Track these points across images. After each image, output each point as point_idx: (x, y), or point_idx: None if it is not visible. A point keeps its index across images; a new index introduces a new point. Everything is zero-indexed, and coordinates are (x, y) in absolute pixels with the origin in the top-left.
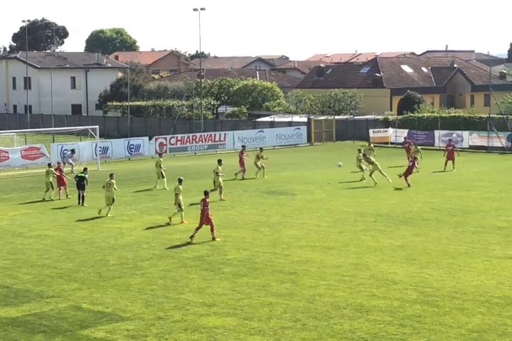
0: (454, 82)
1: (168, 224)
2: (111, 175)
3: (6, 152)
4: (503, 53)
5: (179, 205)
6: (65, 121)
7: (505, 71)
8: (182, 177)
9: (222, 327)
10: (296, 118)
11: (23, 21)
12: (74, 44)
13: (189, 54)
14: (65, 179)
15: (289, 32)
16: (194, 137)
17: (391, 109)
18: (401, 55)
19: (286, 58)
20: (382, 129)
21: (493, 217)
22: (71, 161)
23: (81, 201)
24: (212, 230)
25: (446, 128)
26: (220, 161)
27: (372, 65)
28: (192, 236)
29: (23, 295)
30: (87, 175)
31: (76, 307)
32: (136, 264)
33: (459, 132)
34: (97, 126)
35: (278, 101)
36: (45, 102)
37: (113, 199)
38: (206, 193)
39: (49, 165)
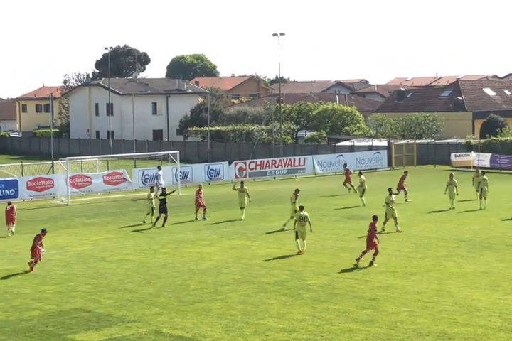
0: None
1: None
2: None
3: (88, 177)
4: None
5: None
6: (146, 146)
7: None
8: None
9: None
10: (376, 143)
11: (106, 48)
12: (155, 70)
13: (268, 79)
14: None
15: (368, 55)
16: (273, 162)
17: (473, 133)
18: (483, 78)
19: (366, 82)
20: (464, 153)
21: None
22: (161, 181)
23: (163, 223)
24: (374, 255)
25: None
26: (297, 190)
27: (453, 88)
28: (358, 259)
29: (105, 320)
30: (167, 197)
31: (157, 331)
32: (216, 289)
33: None
34: (178, 151)
35: (358, 125)
36: (127, 128)
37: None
38: (375, 218)
39: (151, 188)
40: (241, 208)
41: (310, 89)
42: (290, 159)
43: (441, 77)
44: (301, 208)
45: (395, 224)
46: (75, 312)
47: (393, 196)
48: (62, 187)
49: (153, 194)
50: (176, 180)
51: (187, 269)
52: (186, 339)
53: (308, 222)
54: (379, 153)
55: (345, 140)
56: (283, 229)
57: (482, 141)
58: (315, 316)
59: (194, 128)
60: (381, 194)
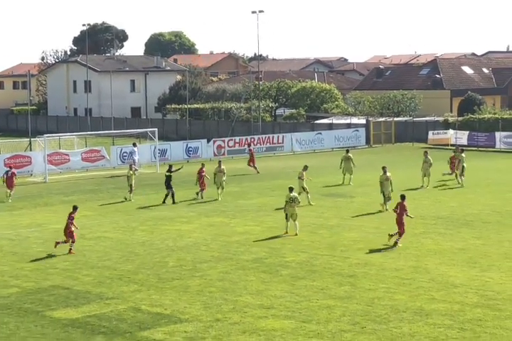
0: None
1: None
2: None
3: (66, 155)
4: None
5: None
6: (124, 123)
7: None
8: (292, 186)
9: (281, 330)
10: (354, 120)
11: (84, 25)
12: (133, 47)
13: (247, 56)
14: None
15: (347, 33)
16: (252, 139)
17: (451, 111)
18: (461, 56)
19: (345, 60)
20: (441, 131)
21: None
22: (136, 158)
23: (172, 199)
24: (400, 235)
25: (507, 130)
26: (305, 167)
27: (432, 66)
28: (396, 243)
29: (83, 297)
30: (172, 173)
31: (135, 308)
32: (194, 266)
33: None
34: (156, 129)
35: (336, 103)
36: (105, 105)
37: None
38: (403, 197)
39: (130, 166)
40: (218, 188)
41: (289, 66)
42: (269, 137)
43: (419, 55)
44: (291, 189)
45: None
46: (53, 289)
47: (387, 174)
48: (40, 165)
49: (131, 172)
50: (155, 157)
51: (165, 246)
52: (165, 316)
53: (298, 202)
54: (357, 130)
55: (323, 118)
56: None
57: (460, 118)
58: (293, 293)
59: (172, 106)
60: (359, 172)
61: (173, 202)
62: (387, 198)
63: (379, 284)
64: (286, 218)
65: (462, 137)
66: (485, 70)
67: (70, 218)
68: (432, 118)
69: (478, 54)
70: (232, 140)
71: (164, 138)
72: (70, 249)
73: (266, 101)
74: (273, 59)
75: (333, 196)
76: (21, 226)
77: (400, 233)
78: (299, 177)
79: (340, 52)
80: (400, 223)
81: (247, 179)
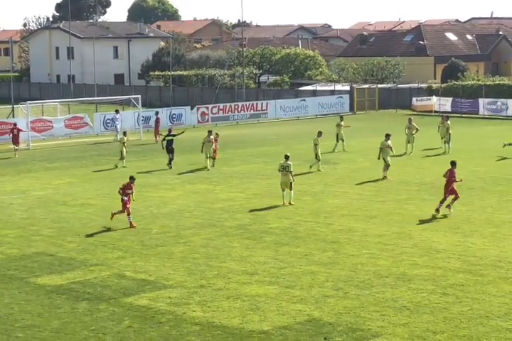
0: (498, 49)
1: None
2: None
3: (49, 121)
4: None
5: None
6: (107, 90)
7: None
8: (288, 154)
9: (264, 296)
10: (338, 87)
11: None
12: (116, 14)
13: (231, 23)
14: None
15: (331, 0)
16: (236, 106)
17: (435, 77)
18: (445, 23)
19: (329, 26)
20: (425, 97)
21: None
22: (118, 125)
23: (169, 163)
24: (454, 199)
25: (490, 97)
26: (319, 133)
27: (415, 33)
28: (437, 210)
29: (67, 263)
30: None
31: (119, 275)
32: (178, 233)
33: (504, 100)
34: (139, 96)
35: (320, 70)
36: (87, 72)
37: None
38: (454, 164)
39: (124, 133)
40: (207, 158)
41: (272, 33)
42: (253, 104)
43: (403, 22)
44: (286, 157)
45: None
46: (37, 256)
47: (389, 141)
48: (22, 132)
49: (126, 138)
50: (138, 124)
51: (149, 213)
52: (149, 282)
53: (290, 172)
54: (341, 97)
55: (307, 84)
56: (310, 172)
57: (443, 85)
58: (277, 259)
59: (156, 73)
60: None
61: (170, 167)
62: (386, 165)
63: (362, 250)
64: (282, 187)
65: (446, 104)
66: (469, 37)
67: (127, 188)
68: (415, 85)
69: (462, 20)
70: (216, 107)
71: (148, 105)
72: (131, 222)
73: (250, 68)
74: (257, 25)
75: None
76: (4, 193)
77: (455, 198)
78: (315, 144)
79: (324, 18)
80: (451, 189)
81: (231, 146)
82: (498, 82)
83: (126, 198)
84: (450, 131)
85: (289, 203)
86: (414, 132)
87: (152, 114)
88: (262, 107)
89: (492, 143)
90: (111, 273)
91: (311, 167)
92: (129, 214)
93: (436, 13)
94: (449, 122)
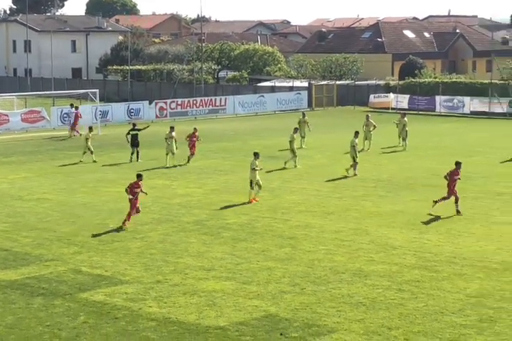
0: (456, 47)
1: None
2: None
3: (6, 115)
4: (505, 19)
5: (257, 183)
6: (65, 84)
7: (507, 37)
8: (258, 151)
9: (221, 291)
10: (297, 83)
11: None
12: (74, 7)
13: (190, 18)
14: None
15: None
16: (194, 101)
17: (392, 74)
18: (403, 20)
19: (288, 23)
20: (382, 94)
21: (493, 183)
22: (72, 119)
23: (136, 158)
24: (456, 202)
25: (447, 94)
26: (296, 129)
27: (374, 30)
28: (458, 211)
29: (22, 258)
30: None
31: (75, 270)
32: (135, 228)
33: (460, 97)
34: (97, 90)
35: (279, 66)
36: (45, 66)
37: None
38: (458, 164)
39: (90, 128)
40: (167, 154)
41: (232, 28)
42: (211, 99)
43: (362, 19)
44: (256, 155)
45: (352, 167)
46: None
47: (357, 139)
48: None
49: (91, 134)
50: (96, 119)
51: (107, 208)
52: (105, 278)
53: (252, 169)
54: (299, 93)
55: (266, 80)
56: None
57: (401, 82)
58: (234, 255)
59: (114, 67)
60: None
61: (137, 160)
62: (355, 163)
63: (319, 246)
64: (251, 185)
65: (403, 101)
66: (426, 34)
67: (135, 187)
68: (373, 82)
69: (420, 18)
70: (174, 102)
71: (106, 100)
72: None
73: (208, 63)
74: (216, 21)
75: (276, 158)
76: None
77: (457, 199)
78: (290, 140)
79: (283, 14)
80: (453, 190)
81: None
82: (454, 80)
83: (133, 197)
84: (407, 128)
85: (254, 199)
86: (371, 129)
87: (109, 108)
88: (220, 103)
89: (448, 140)
90: (66, 269)
91: (285, 163)
92: (137, 212)
93: (395, 11)
94: (405, 119)
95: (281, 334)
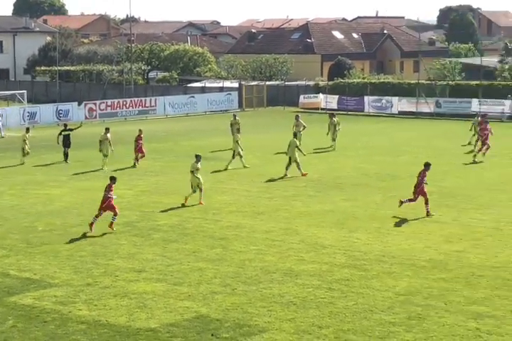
0: (383, 48)
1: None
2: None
3: None
4: (432, 20)
5: (198, 185)
6: None
7: (434, 37)
8: (200, 154)
9: (152, 293)
10: (227, 84)
11: None
12: (1, 7)
13: (119, 18)
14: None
15: None
16: (124, 102)
17: (322, 75)
18: (332, 21)
19: (218, 23)
20: (312, 95)
21: None
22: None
23: (65, 158)
24: (426, 203)
25: (375, 94)
26: (238, 130)
27: (303, 31)
28: (428, 212)
29: None
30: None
31: (3, 274)
32: (65, 230)
33: (389, 98)
34: (25, 91)
35: (209, 66)
36: None
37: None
38: (427, 165)
39: (27, 129)
40: (104, 156)
41: (161, 29)
42: (141, 100)
43: (291, 20)
44: (197, 157)
45: (297, 167)
46: None
47: (297, 140)
48: None
49: (28, 135)
50: (24, 120)
51: (35, 211)
52: (34, 281)
53: (191, 171)
54: (230, 94)
55: (196, 81)
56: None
57: (330, 83)
58: (165, 256)
59: (42, 68)
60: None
61: (66, 161)
62: (297, 163)
63: (250, 246)
64: (192, 188)
65: (332, 101)
66: (355, 35)
67: (109, 190)
68: (303, 83)
69: (349, 19)
70: (103, 103)
71: (34, 101)
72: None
73: (138, 63)
74: (145, 21)
75: (206, 159)
76: None
77: (426, 200)
78: (236, 141)
79: (213, 15)
80: (421, 191)
81: (120, 142)
82: (382, 80)
83: (113, 197)
84: (337, 128)
85: (200, 202)
86: (301, 129)
87: (38, 109)
88: (150, 103)
89: (377, 140)
90: None
91: (227, 165)
92: (115, 215)
93: (324, 12)
94: (335, 119)
95: (212, 335)
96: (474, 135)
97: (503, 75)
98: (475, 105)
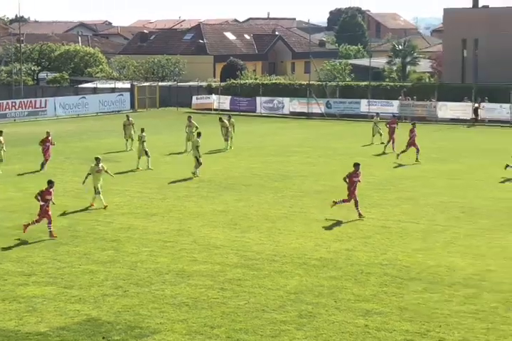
0: (275, 49)
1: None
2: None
3: None
4: (323, 21)
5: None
6: None
7: (324, 39)
8: (99, 157)
9: (42, 296)
10: (119, 85)
11: None
12: None
13: (8, 18)
14: None
15: None
16: (13, 104)
17: (214, 76)
18: (224, 22)
19: (110, 24)
20: (205, 96)
21: (311, 181)
22: None
23: None
24: (356, 205)
25: (267, 95)
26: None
27: (195, 32)
28: (360, 215)
29: None
30: None
31: None
32: None
33: (280, 99)
34: None
35: (101, 67)
36: None
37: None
38: (357, 165)
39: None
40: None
41: (52, 29)
42: (31, 101)
43: (184, 20)
44: (97, 160)
45: (195, 167)
46: None
47: (200, 140)
48: None
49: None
50: None
51: None
52: None
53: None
54: (122, 95)
55: (87, 82)
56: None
57: (222, 84)
58: (55, 259)
59: None
60: (123, 136)
61: None
62: (199, 163)
63: (142, 248)
64: (95, 191)
65: (225, 102)
66: (247, 36)
67: (46, 194)
68: (195, 83)
69: (241, 20)
70: None
71: None
72: (51, 232)
73: (28, 64)
74: (35, 21)
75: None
76: None
77: (356, 202)
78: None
79: (104, 15)
80: (353, 191)
81: (8, 144)
82: (274, 81)
83: (44, 204)
84: (230, 129)
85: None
86: (193, 130)
87: None
88: (40, 105)
89: (269, 140)
90: None
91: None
92: (50, 223)
93: (216, 13)
94: (226, 121)
95: (103, 337)
96: (374, 135)
97: (392, 76)
98: (364, 106)
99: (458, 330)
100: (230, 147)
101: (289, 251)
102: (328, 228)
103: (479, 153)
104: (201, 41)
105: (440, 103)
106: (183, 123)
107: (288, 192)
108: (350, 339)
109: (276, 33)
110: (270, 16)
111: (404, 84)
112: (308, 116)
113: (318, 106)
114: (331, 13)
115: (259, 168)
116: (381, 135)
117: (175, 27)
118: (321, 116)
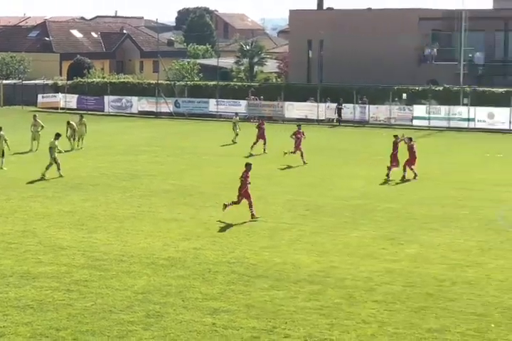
0: (123, 47)
1: None
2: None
3: None
4: (171, 21)
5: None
6: None
7: (172, 38)
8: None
9: None
10: None
11: None
12: None
13: None
14: None
15: None
16: None
17: (61, 74)
18: (70, 20)
19: None
20: (51, 94)
21: (160, 180)
22: None
23: None
24: (250, 206)
25: (116, 94)
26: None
27: (41, 29)
28: (252, 215)
29: None
30: None
31: None
32: None
33: (129, 98)
34: None
35: None
36: None
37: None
38: (248, 165)
39: None
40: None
41: None
42: None
43: (29, 17)
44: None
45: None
46: None
47: (57, 141)
48: None
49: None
50: None
51: None
52: None
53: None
54: None
55: None
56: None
57: (69, 82)
58: None
59: None
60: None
61: None
62: (57, 164)
63: None
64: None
65: (71, 101)
66: (94, 34)
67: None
68: (41, 82)
69: (88, 18)
70: None
71: None
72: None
73: None
74: None
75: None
76: None
77: (250, 204)
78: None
79: None
80: (245, 192)
81: None
82: (122, 80)
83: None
84: (83, 129)
85: None
86: (39, 129)
87: None
88: None
89: (117, 140)
90: None
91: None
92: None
93: (62, 10)
94: (73, 123)
95: None
96: (238, 135)
97: (240, 76)
98: (213, 105)
99: (303, 326)
100: (81, 147)
101: (137, 251)
102: (177, 227)
103: (329, 152)
104: (47, 39)
105: (287, 103)
106: (29, 122)
107: (136, 191)
108: (198, 337)
109: (124, 31)
110: (118, 15)
111: (252, 84)
112: (157, 115)
113: (166, 106)
114: (179, 12)
115: (107, 168)
116: (237, 135)
117: (20, 24)
118: (170, 115)
